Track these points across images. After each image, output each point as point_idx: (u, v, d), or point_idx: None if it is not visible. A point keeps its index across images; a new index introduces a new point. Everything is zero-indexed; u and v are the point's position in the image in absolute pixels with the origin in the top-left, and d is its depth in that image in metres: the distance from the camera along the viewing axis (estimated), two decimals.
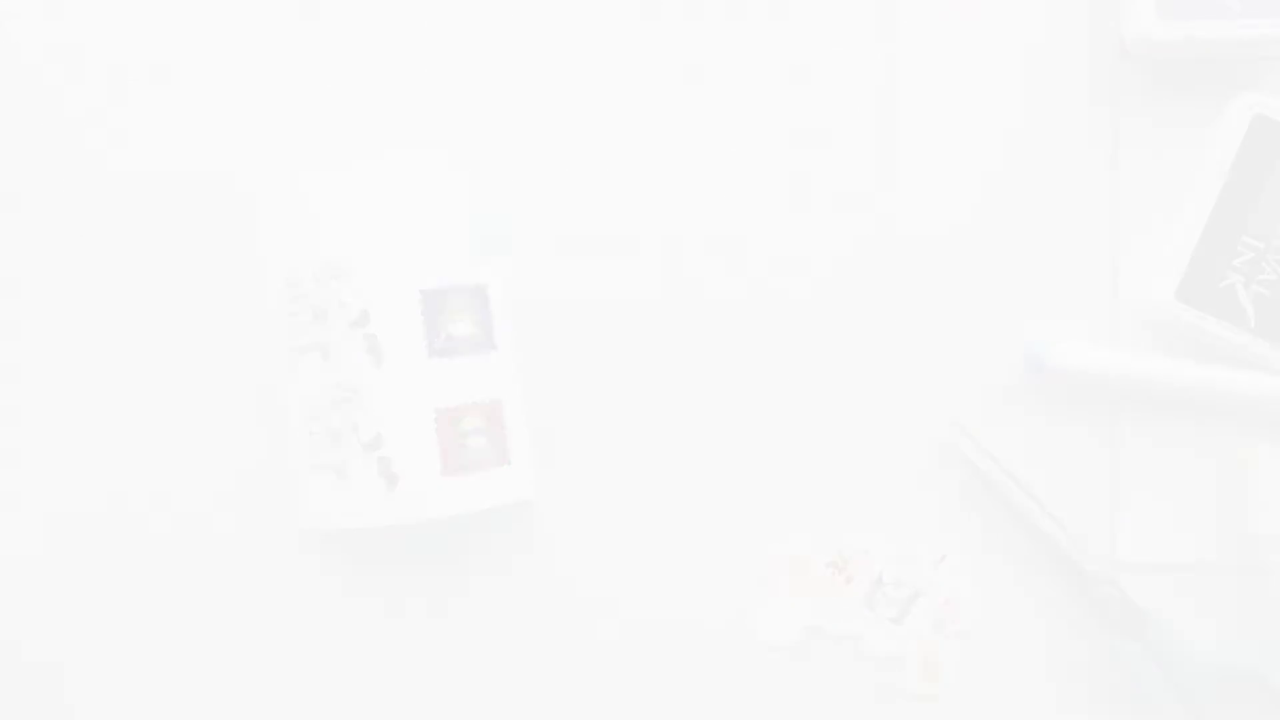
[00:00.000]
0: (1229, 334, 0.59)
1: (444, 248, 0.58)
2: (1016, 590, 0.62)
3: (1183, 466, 0.61)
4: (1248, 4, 0.58)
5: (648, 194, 0.62)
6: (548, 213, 0.62)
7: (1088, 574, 0.61)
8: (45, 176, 0.63)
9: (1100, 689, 0.62)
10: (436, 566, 0.62)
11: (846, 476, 0.62)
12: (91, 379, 0.62)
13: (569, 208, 0.63)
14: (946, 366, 0.62)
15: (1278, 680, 0.60)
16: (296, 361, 0.59)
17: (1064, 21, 0.62)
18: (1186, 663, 0.60)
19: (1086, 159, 0.62)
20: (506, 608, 0.62)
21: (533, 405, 0.61)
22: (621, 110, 0.62)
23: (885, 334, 0.62)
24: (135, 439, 0.62)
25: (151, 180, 0.63)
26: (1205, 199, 0.60)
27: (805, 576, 0.62)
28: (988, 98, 0.62)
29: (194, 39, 0.63)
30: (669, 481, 0.62)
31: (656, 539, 0.62)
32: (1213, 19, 0.58)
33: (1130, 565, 0.61)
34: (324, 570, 0.62)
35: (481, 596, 0.62)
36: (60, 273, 0.63)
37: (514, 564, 0.62)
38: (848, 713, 0.61)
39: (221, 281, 0.62)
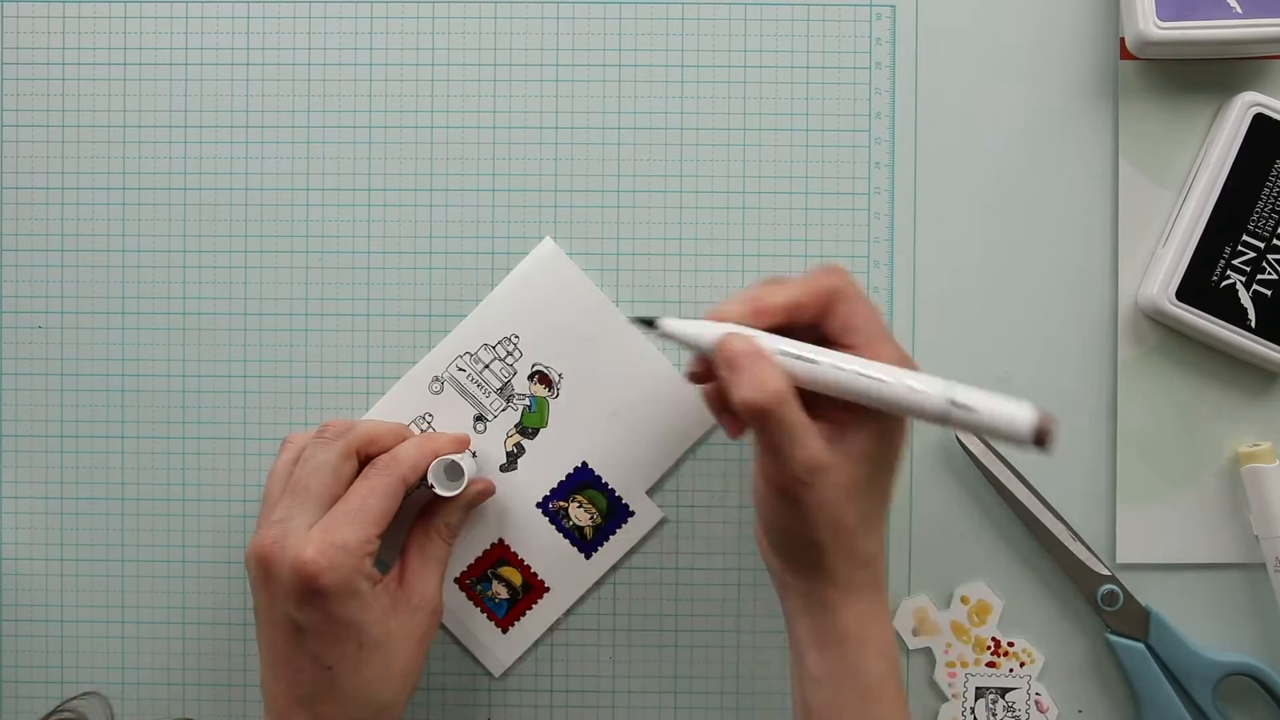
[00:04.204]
0: (1229, 334, 0.59)
1: None
2: (1016, 588, 0.62)
3: (1183, 466, 0.62)
4: (1248, 4, 0.58)
5: (637, 196, 0.62)
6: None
7: (1088, 573, 0.61)
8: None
9: (1100, 689, 0.62)
10: None
11: None
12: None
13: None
14: (947, 362, 0.62)
15: (1278, 680, 0.60)
16: None
17: (1064, 21, 0.62)
18: (1186, 663, 0.60)
19: (1086, 159, 0.62)
20: None
21: None
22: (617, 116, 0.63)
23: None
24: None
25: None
26: (1205, 199, 0.59)
27: None
28: (986, 97, 0.62)
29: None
30: (669, 485, 0.63)
31: (657, 542, 0.63)
32: (1213, 19, 0.58)
33: (1130, 565, 0.62)
34: None
35: None
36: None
37: None
38: None
39: None
